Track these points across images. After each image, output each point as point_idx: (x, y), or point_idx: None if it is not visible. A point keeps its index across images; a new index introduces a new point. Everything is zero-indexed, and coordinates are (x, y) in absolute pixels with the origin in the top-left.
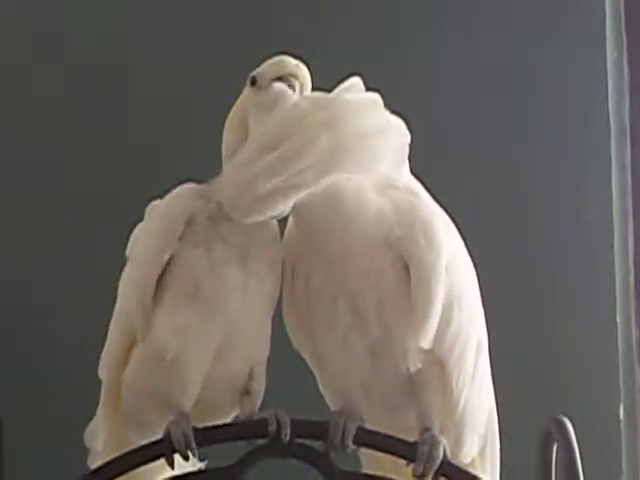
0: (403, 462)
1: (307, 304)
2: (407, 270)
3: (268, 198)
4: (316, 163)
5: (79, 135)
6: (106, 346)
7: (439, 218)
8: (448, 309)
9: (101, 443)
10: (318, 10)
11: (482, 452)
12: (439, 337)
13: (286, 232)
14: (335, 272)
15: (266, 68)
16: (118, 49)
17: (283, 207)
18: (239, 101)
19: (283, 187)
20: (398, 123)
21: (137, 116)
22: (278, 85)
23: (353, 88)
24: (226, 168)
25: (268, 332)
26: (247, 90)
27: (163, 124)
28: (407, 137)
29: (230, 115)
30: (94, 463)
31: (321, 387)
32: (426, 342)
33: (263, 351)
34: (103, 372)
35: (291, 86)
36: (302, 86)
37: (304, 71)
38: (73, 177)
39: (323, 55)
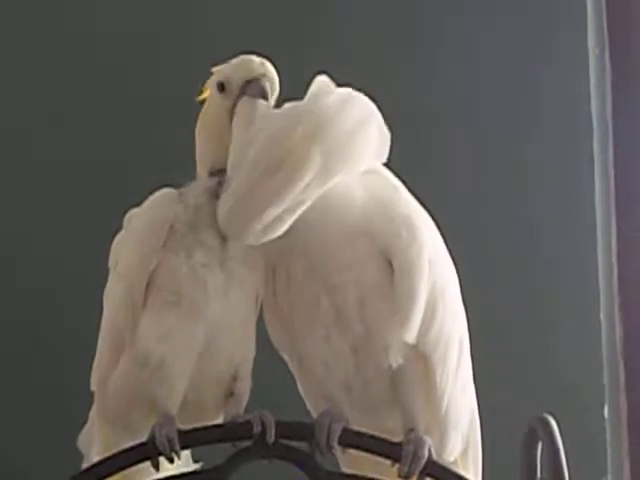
0: (385, 461)
1: (288, 304)
2: (389, 265)
3: (279, 221)
4: (316, 176)
5: (73, 134)
6: (97, 358)
7: (419, 214)
8: (432, 304)
9: (95, 449)
10: (317, 10)
11: (465, 451)
12: (423, 332)
13: None
14: (316, 267)
15: (232, 72)
16: (115, 51)
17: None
18: (208, 107)
19: (291, 207)
20: (370, 105)
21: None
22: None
23: (323, 89)
24: (224, 197)
25: (252, 333)
26: (216, 96)
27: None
28: (380, 117)
29: (200, 122)
30: None
31: (302, 390)
32: (410, 335)
33: (248, 352)
34: (94, 383)
35: (263, 88)
36: (272, 83)
37: (270, 68)
38: (66, 177)
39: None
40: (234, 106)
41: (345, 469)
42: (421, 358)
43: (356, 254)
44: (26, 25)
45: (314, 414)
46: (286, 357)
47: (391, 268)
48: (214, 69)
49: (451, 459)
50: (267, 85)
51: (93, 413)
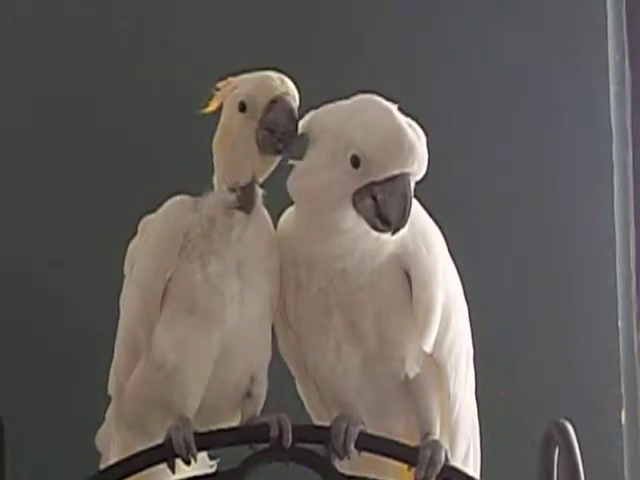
0: (393, 463)
1: (297, 313)
2: (406, 277)
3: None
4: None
5: (88, 137)
6: (114, 363)
7: (432, 227)
8: (447, 313)
9: (112, 450)
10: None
11: (466, 455)
12: (439, 341)
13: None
14: (334, 282)
15: (254, 92)
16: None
17: None
18: (229, 126)
19: None
20: None
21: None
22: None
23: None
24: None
25: (268, 336)
26: (236, 116)
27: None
28: None
29: (221, 139)
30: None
31: (304, 397)
32: (428, 344)
33: (264, 356)
34: (112, 388)
35: (290, 107)
36: (295, 100)
37: (290, 84)
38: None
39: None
40: (260, 125)
41: (344, 470)
42: (435, 366)
43: (375, 272)
44: (38, 23)
45: (316, 421)
46: (290, 364)
47: (408, 280)
48: (220, 84)
49: (457, 464)
50: (292, 103)
51: (110, 413)
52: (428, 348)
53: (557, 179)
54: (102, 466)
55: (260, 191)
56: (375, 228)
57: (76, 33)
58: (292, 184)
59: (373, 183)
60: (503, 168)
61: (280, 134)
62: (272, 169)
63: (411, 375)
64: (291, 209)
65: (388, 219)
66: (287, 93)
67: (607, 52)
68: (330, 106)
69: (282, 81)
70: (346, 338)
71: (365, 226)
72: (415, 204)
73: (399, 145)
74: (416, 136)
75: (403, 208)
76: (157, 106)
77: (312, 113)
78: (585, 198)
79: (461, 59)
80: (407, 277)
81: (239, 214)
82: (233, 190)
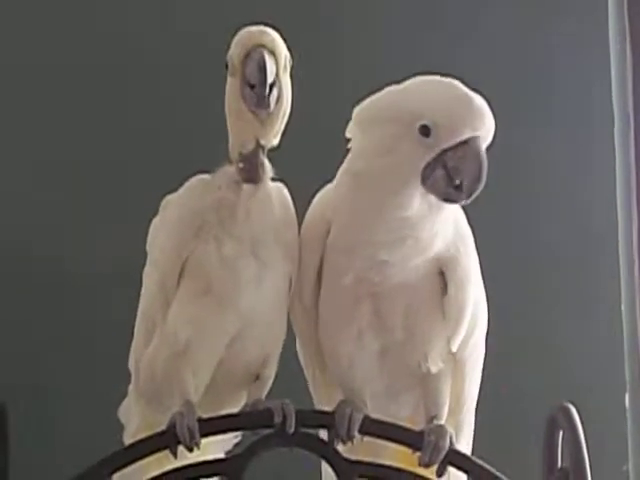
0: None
1: (324, 296)
2: (438, 276)
3: None
4: None
5: (109, 118)
6: (134, 342)
7: (468, 228)
8: (475, 314)
9: (132, 424)
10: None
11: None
12: (464, 341)
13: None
14: (370, 274)
15: (232, 50)
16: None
17: None
18: (227, 91)
19: None
20: None
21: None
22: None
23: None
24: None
25: (284, 319)
26: (228, 78)
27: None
28: None
29: (226, 109)
30: (127, 439)
31: (310, 379)
32: (456, 345)
33: (279, 337)
34: (131, 363)
35: (259, 60)
36: (272, 51)
37: (271, 35)
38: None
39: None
40: (241, 85)
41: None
42: (451, 359)
43: (412, 268)
44: (57, 22)
45: (317, 401)
46: (301, 341)
47: (440, 278)
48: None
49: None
50: (265, 55)
51: (131, 388)
52: (455, 348)
53: (559, 163)
54: (124, 436)
55: (266, 160)
56: (448, 199)
57: (88, 21)
58: (351, 169)
59: (444, 151)
60: (504, 154)
61: (259, 87)
62: (279, 132)
63: (433, 370)
64: (328, 188)
65: (461, 184)
66: (260, 44)
67: (608, 37)
68: (377, 96)
69: (261, 33)
70: (370, 327)
71: (422, 213)
72: (455, 206)
73: (469, 107)
74: (483, 101)
75: (478, 169)
76: (179, 85)
77: (360, 107)
78: (587, 182)
79: (460, 43)
80: (440, 276)
81: (246, 187)
82: (241, 161)
